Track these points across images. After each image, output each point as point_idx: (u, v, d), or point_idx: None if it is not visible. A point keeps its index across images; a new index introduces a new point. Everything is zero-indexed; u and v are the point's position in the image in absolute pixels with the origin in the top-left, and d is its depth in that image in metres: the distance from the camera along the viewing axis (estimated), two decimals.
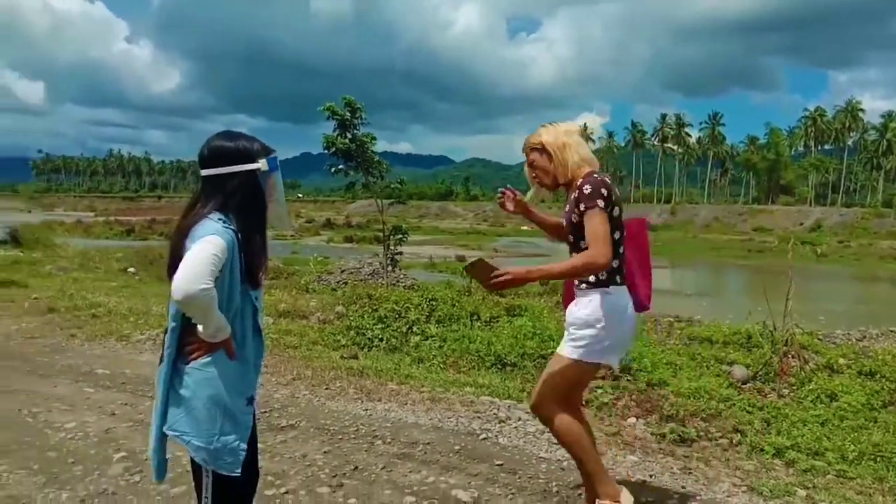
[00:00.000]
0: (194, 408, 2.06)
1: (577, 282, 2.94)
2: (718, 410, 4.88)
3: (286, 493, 3.53)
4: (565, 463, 3.96)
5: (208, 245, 1.94)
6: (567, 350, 2.89)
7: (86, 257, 15.63)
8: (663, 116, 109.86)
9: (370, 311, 7.71)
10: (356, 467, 3.87)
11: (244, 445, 2.17)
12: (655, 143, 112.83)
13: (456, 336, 7.02)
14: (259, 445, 4.13)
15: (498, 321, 7.79)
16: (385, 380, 5.63)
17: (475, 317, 7.92)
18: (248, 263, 2.12)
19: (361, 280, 11.86)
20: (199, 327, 2.02)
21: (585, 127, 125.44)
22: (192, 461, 2.17)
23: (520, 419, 4.73)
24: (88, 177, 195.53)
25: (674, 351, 6.73)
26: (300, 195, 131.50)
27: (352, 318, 7.63)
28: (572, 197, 2.87)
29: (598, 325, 2.82)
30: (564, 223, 2.99)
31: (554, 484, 3.67)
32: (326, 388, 5.43)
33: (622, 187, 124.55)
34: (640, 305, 3.09)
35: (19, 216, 44.76)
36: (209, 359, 2.07)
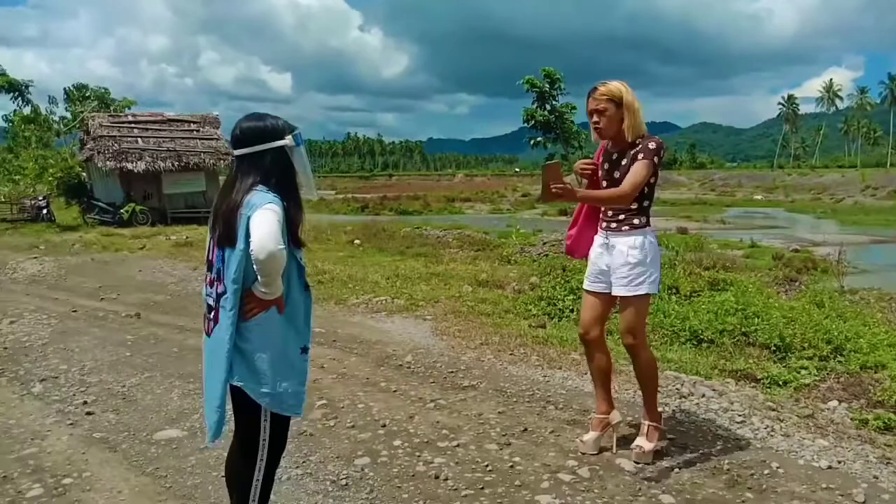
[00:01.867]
0: (258, 359, 2.33)
1: (623, 226, 3.42)
2: None
3: (457, 445, 3.80)
4: (743, 442, 3.79)
5: (271, 212, 2.21)
6: (643, 288, 3.39)
7: (319, 230, 17.38)
8: None
9: (563, 282, 7.78)
10: (526, 429, 4.03)
11: (304, 389, 2.44)
12: None
13: (650, 310, 6.83)
14: (440, 402, 4.49)
15: (699, 295, 7.45)
16: (568, 349, 5.70)
17: (674, 290, 7.64)
18: (291, 226, 2.35)
19: (562, 252, 11.87)
20: (260, 286, 2.26)
21: (831, 83, 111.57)
22: (240, 410, 2.41)
23: (703, 395, 4.55)
24: (330, 158, 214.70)
25: None
26: (517, 170, 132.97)
27: (544, 289, 7.76)
28: (634, 151, 3.33)
29: (655, 260, 3.43)
30: (617, 174, 3.40)
31: (726, 462, 3.53)
32: (511, 354, 5.64)
33: (877, 148, 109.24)
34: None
35: None
36: (265, 315, 2.33)
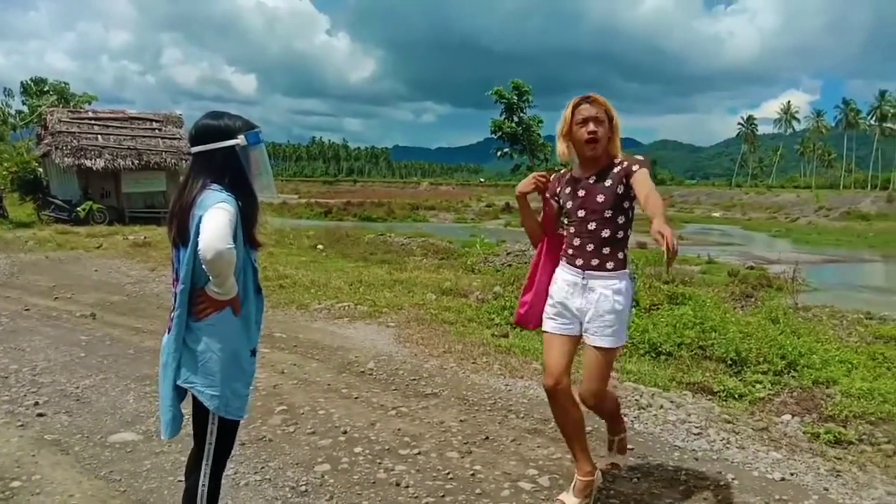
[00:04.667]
0: (207, 360, 2.30)
1: (607, 262, 2.96)
2: (890, 414, 4.44)
3: (418, 453, 3.79)
4: (700, 454, 3.86)
5: (223, 211, 2.18)
6: (625, 336, 3.06)
7: (281, 234, 17.21)
8: (882, 93, 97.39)
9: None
10: (487, 437, 4.04)
11: (248, 391, 2.43)
12: (872, 122, 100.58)
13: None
14: (402, 409, 4.47)
15: (658, 309, 7.57)
16: (530, 359, 5.74)
17: (634, 303, 7.74)
18: (245, 226, 2.34)
19: (526, 262, 11.98)
20: (213, 286, 2.23)
21: (789, 105, 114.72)
22: (194, 413, 2.38)
23: (661, 407, 4.63)
24: (294, 161, 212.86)
25: (851, 349, 6.17)
26: (482, 180, 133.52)
27: (507, 298, 7.80)
28: (616, 171, 2.93)
29: (632, 308, 3.03)
30: (601, 198, 2.94)
31: (683, 473, 3.59)
32: (473, 363, 5.65)
33: (831, 171, 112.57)
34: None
35: None
36: (219, 316, 2.30)
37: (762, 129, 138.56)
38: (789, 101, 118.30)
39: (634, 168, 2.85)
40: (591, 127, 2.91)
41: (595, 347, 2.97)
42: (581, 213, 2.99)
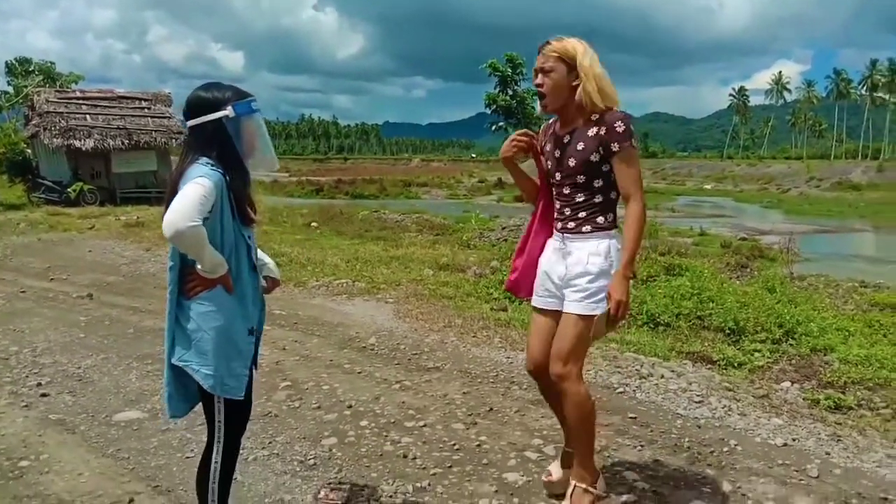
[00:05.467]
0: (200, 339, 2.27)
1: (584, 226, 2.68)
2: (888, 380, 4.51)
3: (424, 425, 3.82)
4: (702, 421, 3.90)
5: (197, 186, 2.12)
6: (602, 306, 2.59)
7: (275, 212, 17.15)
8: (873, 62, 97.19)
9: None
10: (491, 409, 4.08)
11: (246, 371, 2.38)
12: (863, 92, 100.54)
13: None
14: (406, 383, 4.50)
15: (655, 280, 7.61)
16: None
17: (630, 275, 7.78)
18: (236, 202, 2.29)
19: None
20: (197, 264, 2.20)
21: (780, 76, 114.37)
22: (202, 391, 2.35)
23: (662, 376, 4.67)
24: (283, 139, 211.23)
25: (848, 317, 6.23)
26: (473, 155, 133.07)
27: (504, 273, 7.80)
28: (592, 133, 2.59)
29: (611, 273, 2.61)
30: (573, 161, 2.65)
31: (686, 440, 3.63)
32: (474, 336, 5.68)
33: (822, 141, 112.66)
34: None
35: None
36: (210, 294, 2.26)
37: (754, 101, 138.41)
38: (780, 72, 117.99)
39: (615, 147, 2.55)
40: (538, 80, 2.65)
41: (565, 313, 2.70)
42: (558, 176, 2.75)
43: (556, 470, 3.02)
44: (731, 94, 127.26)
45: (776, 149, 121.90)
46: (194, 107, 2.30)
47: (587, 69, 2.56)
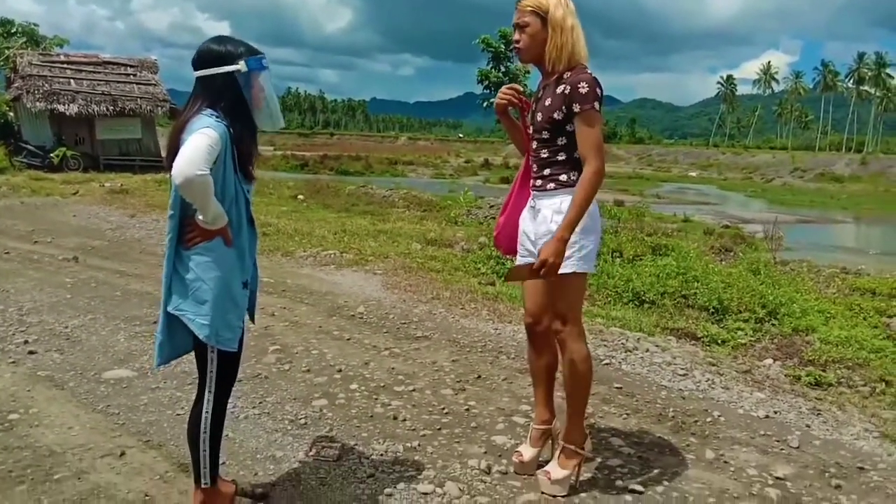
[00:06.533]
0: (197, 289, 2.28)
1: (548, 183, 2.70)
2: (867, 360, 4.60)
3: (413, 390, 3.86)
4: (686, 393, 3.98)
5: (204, 136, 2.13)
6: (568, 265, 2.58)
7: (261, 184, 17.03)
8: (860, 55, 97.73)
9: None
10: (479, 376, 4.13)
11: (240, 323, 2.41)
12: (849, 85, 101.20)
13: (594, 271, 7.03)
14: (395, 350, 4.54)
15: (642, 259, 7.69)
16: (518, 305, 5.80)
17: (617, 254, 7.87)
18: (239, 156, 2.31)
19: None
20: (199, 215, 2.21)
21: (769, 66, 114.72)
22: (196, 342, 2.36)
23: (647, 350, 4.75)
24: None
25: (829, 300, 6.34)
26: (460, 135, 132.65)
27: (492, 249, 7.84)
28: (559, 91, 2.58)
29: (590, 230, 2.65)
30: (539, 116, 2.66)
31: (671, 410, 3.71)
32: (461, 308, 5.72)
33: (808, 132, 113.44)
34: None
35: None
36: (210, 245, 2.28)
37: (741, 90, 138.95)
38: (769, 62, 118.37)
39: (576, 108, 2.53)
40: (515, 36, 2.67)
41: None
42: (530, 131, 2.77)
43: (526, 451, 2.99)
44: (718, 83, 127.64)
45: (762, 139, 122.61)
46: (206, 58, 2.29)
47: (558, 20, 2.57)
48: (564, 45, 2.57)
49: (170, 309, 2.33)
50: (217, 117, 2.24)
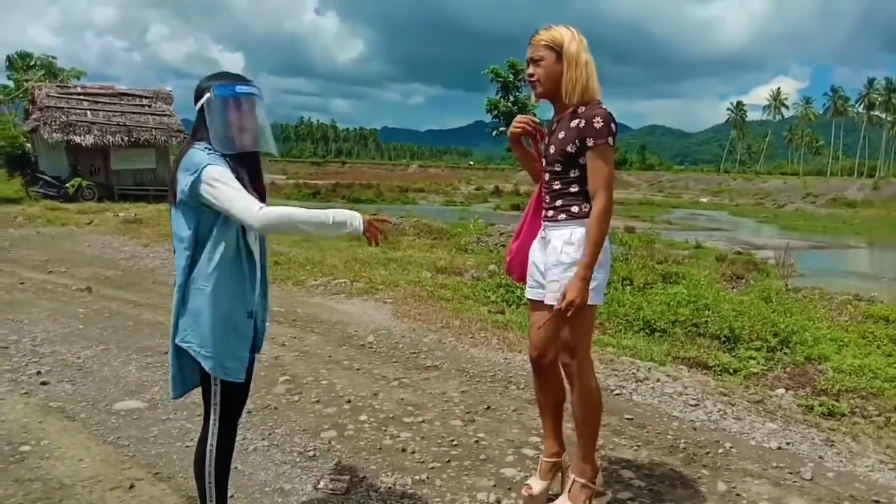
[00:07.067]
0: (202, 322, 2.29)
1: (560, 214, 2.71)
2: (881, 389, 4.54)
3: (422, 421, 3.85)
4: (697, 424, 3.94)
5: (215, 181, 2.18)
6: (589, 297, 2.59)
7: None
8: (870, 81, 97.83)
9: None
10: (489, 407, 4.11)
11: (246, 354, 2.40)
12: (860, 110, 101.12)
13: (605, 299, 7.01)
14: (404, 380, 4.53)
15: (652, 287, 7.67)
16: (528, 334, 5.80)
17: (628, 282, 7.85)
18: (239, 180, 2.28)
19: None
20: (341, 230, 2.27)
21: (779, 91, 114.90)
22: (202, 373, 2.37)
23: (658, 380, 4.71)
24: (282, 142, 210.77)
25: (842, 328, 6.29)
26: (471, 163, 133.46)
27: (503, 277, 7.85)
28: (573, 125, 2.61)
29: (606, 262, 2.69)
30: (553, 149, 2.70)
31: (682, 441, 3.67)
32: (471, 337, 5.72)
33: (818, 158, 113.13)
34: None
35: None
36: (213, 277, 2.27)
37: (751, 116, 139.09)
38: (779, 88, 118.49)
39: (590, 142, 2.57)
40: (529, 70, 2.71)
41: (548, 305, 2.69)
42: (543, 163, 2.81)
43: (535, 484, 2.96)
44: (728, 109, 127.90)
45: (773, 164, 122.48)
46: (195, 93, 2.36)
47: (573, 55, 2.61)
48: (579, 78, 2.61)
49: (177, 341, 2.35)
50: (209, 150, 2.28)
